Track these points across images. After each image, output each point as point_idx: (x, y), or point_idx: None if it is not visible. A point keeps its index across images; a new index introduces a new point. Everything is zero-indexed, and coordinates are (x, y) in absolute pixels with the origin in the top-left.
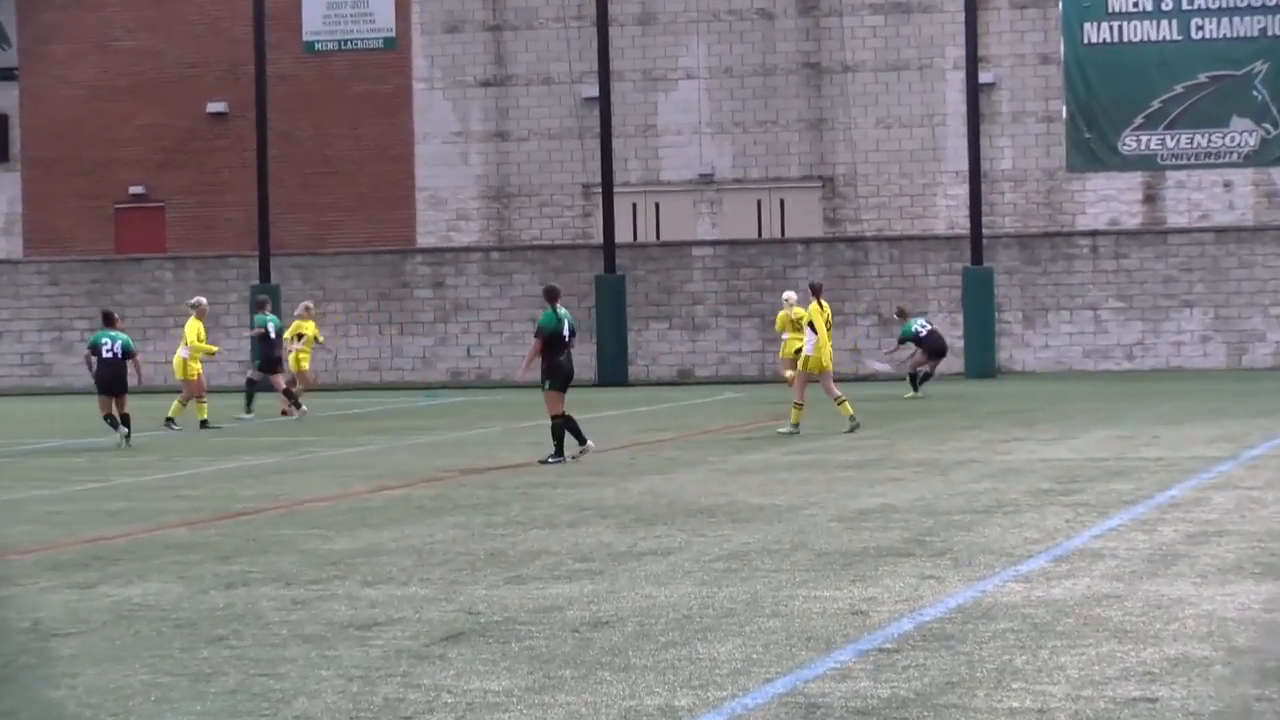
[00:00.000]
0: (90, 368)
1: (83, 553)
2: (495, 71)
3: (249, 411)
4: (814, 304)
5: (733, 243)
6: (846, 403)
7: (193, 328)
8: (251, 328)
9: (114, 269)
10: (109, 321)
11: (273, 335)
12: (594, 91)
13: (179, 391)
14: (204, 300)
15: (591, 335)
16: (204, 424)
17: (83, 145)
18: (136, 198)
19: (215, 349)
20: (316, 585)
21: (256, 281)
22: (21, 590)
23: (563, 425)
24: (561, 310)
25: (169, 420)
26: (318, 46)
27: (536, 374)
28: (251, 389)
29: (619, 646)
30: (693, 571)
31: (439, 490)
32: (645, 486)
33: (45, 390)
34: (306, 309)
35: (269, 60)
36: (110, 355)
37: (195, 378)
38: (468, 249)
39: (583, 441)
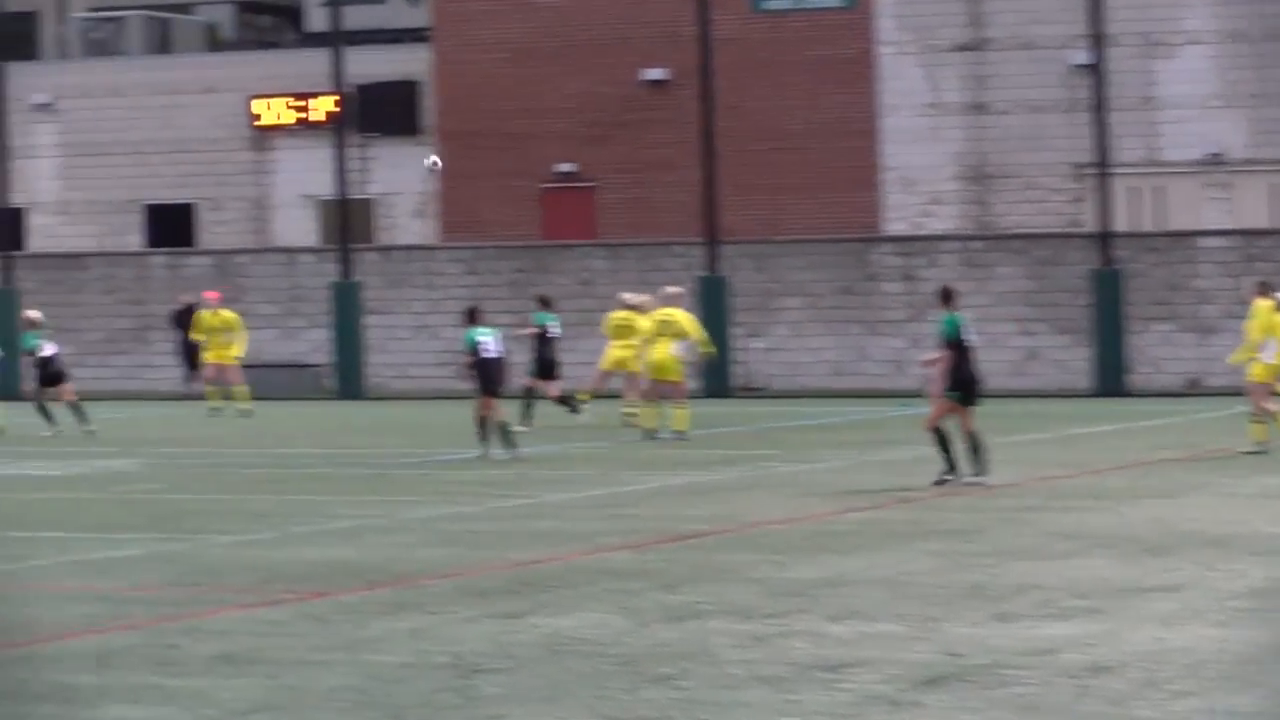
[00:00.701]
0: (469, 369)
1: (509, 578)
2: (971, 34)
3: (525, 424)
4: (1267, 303)
5: (1247, 233)
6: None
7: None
8: (537, 326)
9: (540, 256)
10: (476, 318)
11: (550, 335)
12: (1085, 58)
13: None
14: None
15: (1090, 338)
16: (676, 434)
17: (503, 117)
18: (564, 176)
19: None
20: (775, 619)
21: (702, 272)
22: (439, 619)
23: (947, 439)
24: (960, 314)
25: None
26: (768, 5)
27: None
28: (530, 398)
29: (1122, 696)
30: (1206, 611)
31: (912, 513)
32: (1148, 513)
33: (466, 395)
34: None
35: (713, 21)
36: (491, 354)
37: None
38: (943, 237)
39: (952, 469)
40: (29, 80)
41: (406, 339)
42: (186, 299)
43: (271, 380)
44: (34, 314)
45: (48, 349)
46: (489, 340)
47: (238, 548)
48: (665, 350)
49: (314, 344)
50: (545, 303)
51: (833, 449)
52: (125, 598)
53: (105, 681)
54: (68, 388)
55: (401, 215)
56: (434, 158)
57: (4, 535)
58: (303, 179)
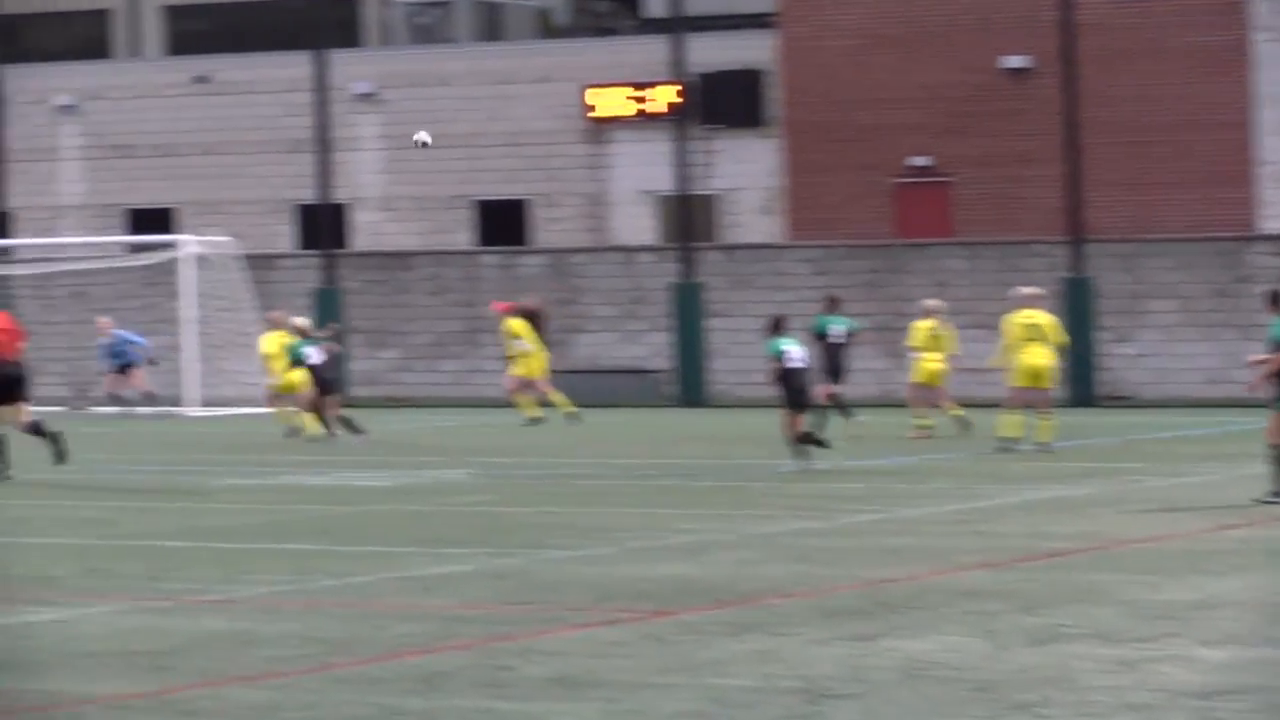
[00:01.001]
0: (775, 380)
1: (860, 598)
2: None
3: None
4: None
5: None
6: None
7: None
8: (822, 331)
9: (894, 256)
10: (780, 328)
11: (834, 340)
12: None
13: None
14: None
15: None
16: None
17: (853, 108)
18: (918, 170)
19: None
20: (1144, 643)
21: (1066, 274)
22: (787, 641)
23: None
24: None
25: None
26: None
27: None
28: (833, 406)
29: None
30: None
31: None
32: None
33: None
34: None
35: (1077, 5)
36: (796, 364)
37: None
38: None
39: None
40: (351, 68)
41: (751, 343)
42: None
43: (610, 386)
44: (302, 321)
45: (315, 357)
46: (793, 350)
47: (573, 564)
48: (1039, 355)
49: (654, 348)
50: (833, 303)
51: (1204, 462)
52: (454, 616)
53: (433, 705)
54: (333, 399)
55: (746, 212)
56: (423, 135)
57: (329, 549)
58: (641, 174)
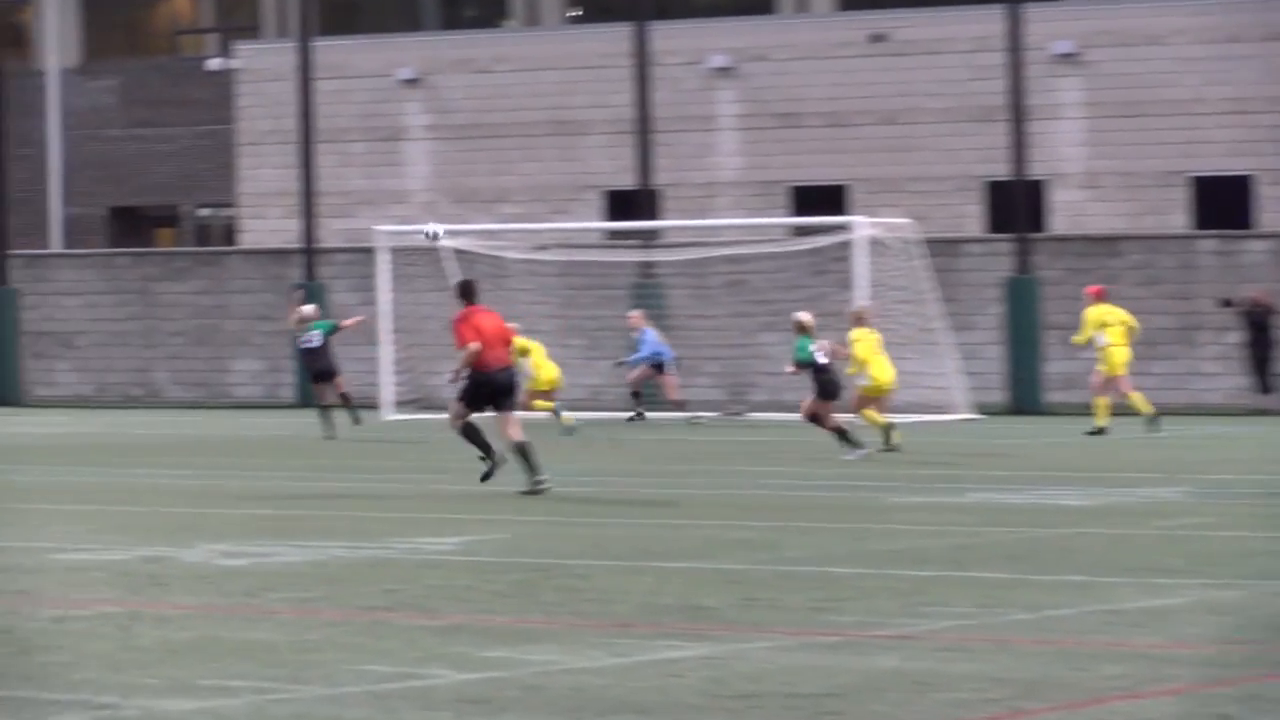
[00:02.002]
0: None
1: None
2: None
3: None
4: None
5: None
6: None
7: None
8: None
9: None
10: None
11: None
12: None
13: None
14: None
15: None
16: None
17: None
18: None
19: None
20: None
21: None
22: None
23: None
24: None
25: None
26: None
27: None
28: None
29: None
30: None
31: None
32: None
33: None
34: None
35: None
36: None
37: None
38: None
39: None
40: (1049, 25)
41: None
42: (1247, 293)
43: None
44: (805, 316)
45: (821, 357)
46: None
47: None
48: None
49: None
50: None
51: None
52: (1165, 656)
53: None
54: (832, 405)
55: None
56: (434, 228)
57: (1022, 578)
58: None
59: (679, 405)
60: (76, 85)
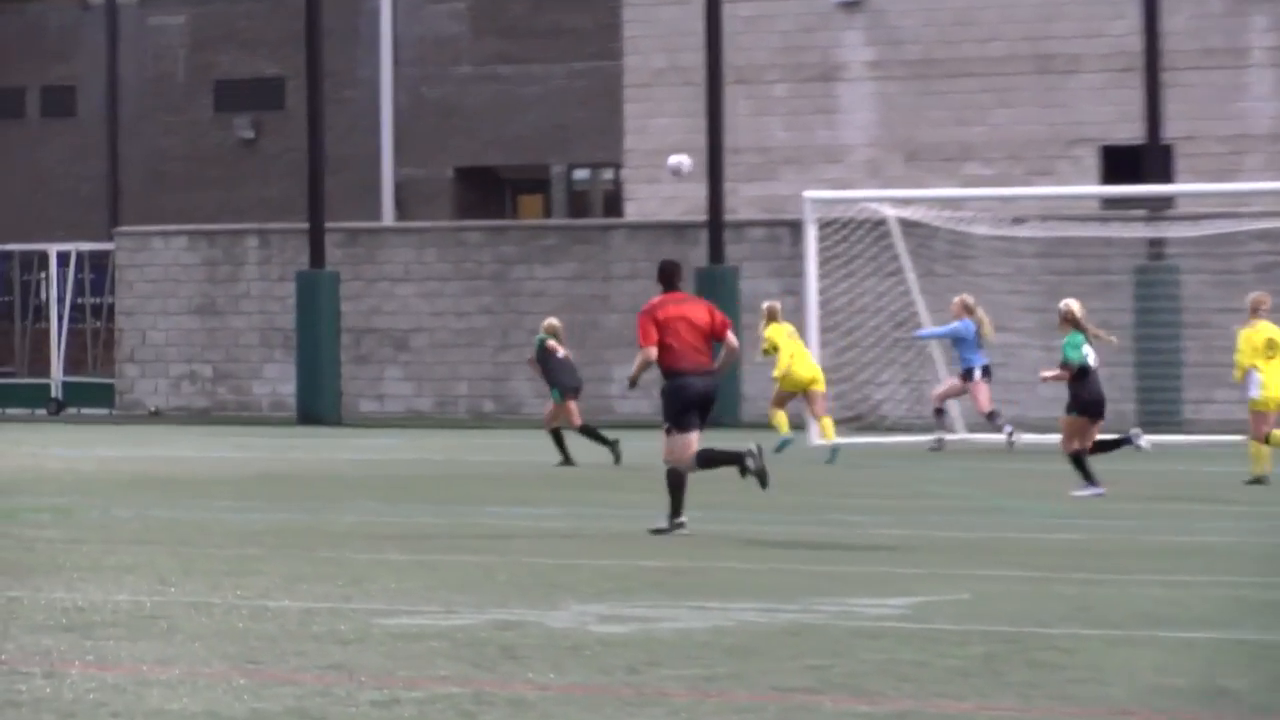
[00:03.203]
0: None
1: None
2: None
3: None
4: None
5: None
6: None
7: None
8: None
9: None
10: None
11: None
12: None
13: None
14: None
15: None
16: None
17: None
18: None
19: None
20: None
21: None
22: None
23: None
24: None
25: None
26: None
27: None
28: None
29: None
30: None
31: None
32: None
33: None
34: None
35: None
36: None
37: None
38: None
39: None
40: None
41: None
42: None
43: None
44: (1075, 305)
45: (1091, 359)
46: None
47: None
48: None
49: None
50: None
51: None
52: None
53: None
54: (1084, 423)
55: None
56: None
57: None
58: None
59: (990, 417)
60: (414, 9)
